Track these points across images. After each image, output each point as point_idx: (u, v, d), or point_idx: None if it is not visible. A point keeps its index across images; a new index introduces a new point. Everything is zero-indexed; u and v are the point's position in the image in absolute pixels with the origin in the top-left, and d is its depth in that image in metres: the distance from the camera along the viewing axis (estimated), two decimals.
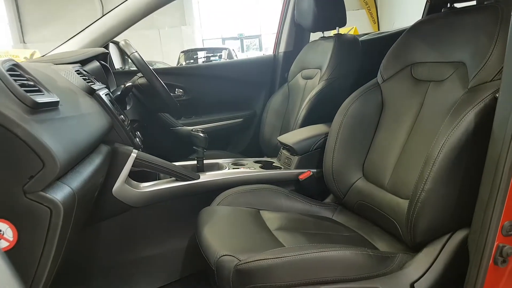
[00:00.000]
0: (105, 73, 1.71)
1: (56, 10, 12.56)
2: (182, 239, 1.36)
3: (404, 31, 1.32)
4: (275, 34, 2.33)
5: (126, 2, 1.80)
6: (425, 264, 0.93)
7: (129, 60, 1.74)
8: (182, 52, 9.81)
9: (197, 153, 1.41)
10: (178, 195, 1.31)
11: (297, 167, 1.46)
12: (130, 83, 1.52)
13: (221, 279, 0.92)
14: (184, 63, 9.53)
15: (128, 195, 1.23)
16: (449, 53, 1.11)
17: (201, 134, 1.39)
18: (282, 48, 2.24)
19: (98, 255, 1.29)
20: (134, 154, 1.22)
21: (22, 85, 0.65)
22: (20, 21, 13.52)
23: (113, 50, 2.24)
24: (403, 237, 1.04)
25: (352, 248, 0.93)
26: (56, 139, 0.64)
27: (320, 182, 1.41)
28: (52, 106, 0.72)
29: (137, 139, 1.34)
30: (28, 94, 0.63)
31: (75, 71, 1.19)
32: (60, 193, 0.65)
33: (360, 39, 1.93)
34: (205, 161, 1.47)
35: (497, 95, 0.85)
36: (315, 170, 1.45)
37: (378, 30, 12.18)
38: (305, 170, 1.44)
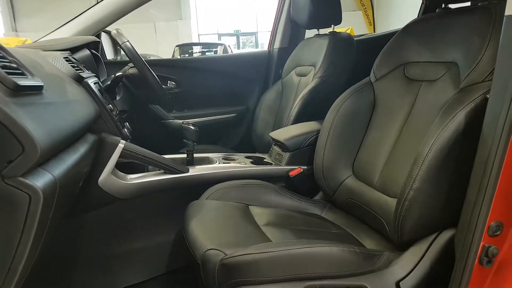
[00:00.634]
0: (96, 62, 1.69)
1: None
2: (169, 233, 1.35)
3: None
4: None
5: None
6: (411, 262, 0.93)
7: (121, 51, 1.72)
8: (177, 46, 9.76)
9: (187, 146, 1.39)
10: (166, 188, 1.29)
11: (288, 164, 1.45)
12: (121, 73, 1.50)
13: (207, 273, 0.91)
14: (179, 57, 9.48)
15: (114, 187, 1.21)
16: (442, 53, 1.11)
17: (192, 127, 1.37)
18: (277, 45, 2.23)
19: (82, 246, 1.27)
20: (121, 144, 1.20)
21: (3, 67, 0.63)
22: (12, 9, 13.32)
23: (105, 40, 2.21)
24: (390, 235, 1.04)
25: (339, 245, 0.92)
26: (37, 123, 0.63)
27: (310, 179, 1.40)
28: (36, 90, 0.70)
29: (126, 130, 1.32)
30: (10, 76, 0.61)
31: (64, 58, 1.16)
32: (40, 180, 0.63)
33: (355, 38, 1.93)
34: (196, 155, 1.45)
35: (487, 96, 0.85)
36: (305, 167, 1.45)
37: (374, 31, 12.23)
38: (296, 167, 1.43)
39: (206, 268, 0.91)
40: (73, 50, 1.42)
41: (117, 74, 1.49)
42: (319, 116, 1.46)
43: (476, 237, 0.80)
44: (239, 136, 2.25)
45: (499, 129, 0.77)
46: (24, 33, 12.40)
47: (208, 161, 1.47)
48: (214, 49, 9.64)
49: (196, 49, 9.84)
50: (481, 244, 0.80)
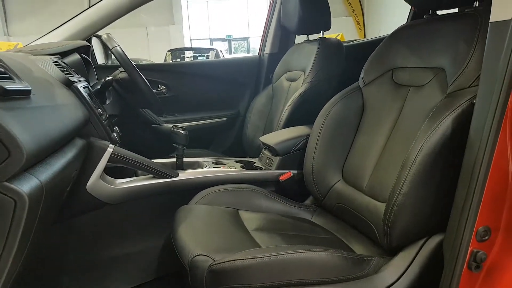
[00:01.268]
0: (86, 66, 1.68)
1: (42, 2, 12.33)
2: (158, 238, 1.34)
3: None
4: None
5: None
6: (401, 268, 0.93)
7: (112, 56, 1.71)
8: (169, 51, 9.74)
9: (177, 150, 1.38)
10: (155, 192, 1.28)
11: (278, 168, 1.45)
12: (111, 77, 1.49)
13: (195, 279, 0.90)
14: (169, 62, 9.46)
15: (102, 191, 1.20)
16: (429, 59, 1.13)
17: (182, 131, 1.37)
18: (267, 50, 2.24)
19: (70, 252, 1.25)
20: (110, 149, 1.19)
21: None
22: (4, 12, 13.21)
23: (96, 45, 2.20)
24: (380, 240, 1.04)
25: (328, 250, 0.92)
26: (24, 128, 0.62)
27: (300, 184, 1.40)
28: (23, 94, 0.69)
29: (115, 134, 1.31)
30: None
31: (53, 62, 1.15)
32: (26, 185, 0.62)
33: (344, 44, 1.94)
34: (185, 159, 1.45)
35: (474, 101, 0.86)
36: (295, 172, 1.45)
37: (364, 37, 12.34)
38: (286, 171, 1.44)
39: (195, 274, 0.90)
40: (63, 54, 1.41)
41: (107, 79, 1.48)
42: (309, 120, 1.46)
43: (465, 242, 0.81)
44: (230, 141, 2.24)
45: (486, 134, 0.78)
46: (16, 37, 12.29)
47: (198, 165, 1.47)
48: (206, 54, 9.64)
49: (188, 54, 9.84)
50: (470, 249, 0.80)
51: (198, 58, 9.50)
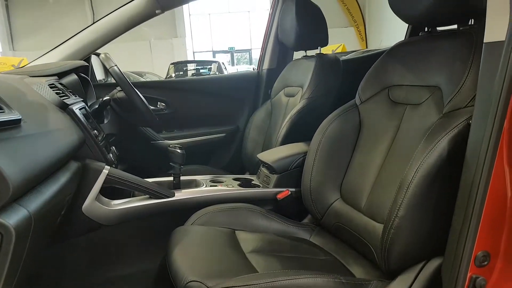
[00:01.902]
0: (85, 85, 1.68)
1: (47, 18, 12.53)
2: (154, 259, 1.32)
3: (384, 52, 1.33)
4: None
5: (108, 15, 1.79)
6: None
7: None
8: (172, 64, 9.82)
9: (174, 169, 1.37)
10: (151, 213, 1.27)
11: (275, 186, 1.44)
12: (108, 97, 1.50)
13: None
14: (173, 75, 9.54)
15: (98, 213, 1.19)
16: (425, 77, 1.12)
17: (178, 150, 1.36)
18: (265, 65, 2.25)
19: (67, 272, 1.24)
20: (106, 170, 1.19)
21: None
22: (10, 28, 13.41)
23: (95, 62, 2.21)
24: (378, 262, 1.02)
25: (325, 276, 0.90)
26: (11, 159, 0.61)
27: (298, 202, 1.39)
28: (12, 124, 0.69)
29: (111, 155, 1.31)
30: None
31: (49, 84, 1.16)
32: (14, 217, 0.61)
33: (342, 58, 1.94)
34: (183, 178, 1.44)
35: (470, 121, 0.85)
36: (293, 189, 1.43)
37: (366, 47, 12.39)
38: (284, 189, 1.42)
39: None
40: (61, 75, 1.42)
41: (104, 98, 1.48)
42: (307, 136, 1.45)
43: (463, 268, 0.79)
44: (229, 156, 2.24)
45: (482, 156, 0.77)
46: (21, 52, 12.45)
47: (195, 184, 1.46)
48: (208, 66, 9.71)
49: (191, 67, 9.91)
50: (468, 274, 0.78)
51: (201, 70, 9.56)
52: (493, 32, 0.79)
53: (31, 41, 12.25)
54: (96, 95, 1.75)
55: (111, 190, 1.25)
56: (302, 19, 1.78)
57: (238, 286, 0.85)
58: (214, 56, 15.56)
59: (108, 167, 1.21)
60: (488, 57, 0.80)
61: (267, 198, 1.42)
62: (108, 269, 1.29)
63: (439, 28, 1.21)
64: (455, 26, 1.19)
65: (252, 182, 1.53)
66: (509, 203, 0.78)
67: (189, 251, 1.06)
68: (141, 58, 12.73)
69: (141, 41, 12.65)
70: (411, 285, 0.91)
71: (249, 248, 1.14)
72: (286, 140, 1.66)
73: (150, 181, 1.42)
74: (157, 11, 1.86)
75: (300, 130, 1.66)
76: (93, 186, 1.17)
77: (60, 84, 1.32)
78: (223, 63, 10.04)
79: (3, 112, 0.68)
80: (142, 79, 10.53)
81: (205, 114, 2.19)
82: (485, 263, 0.79)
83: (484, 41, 0.82)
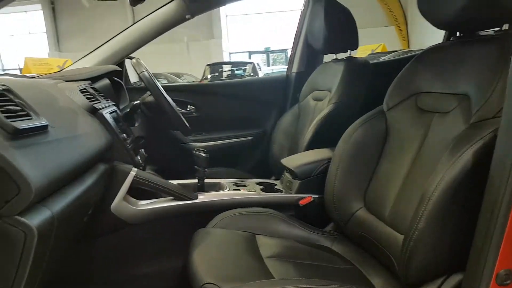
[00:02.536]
0: (118, 89, 1.76)
1: (90, 20, 13.12)
2: (176, 259, 1.36)
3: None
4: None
5: (140, 21, 1.86)
6: None
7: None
8: (207, 65, 9.99)
9: (198, 172, 1.41)
10: (175, 214, 1.31)
11: (298, 192, 1.44)
12: (138, 101, 1.56)
13: None
14: (209, 76, 9.70)
15: (125, 212, 1.24)
16: (454, 85, 1.08)
17: (203, 154, 1.39)
18: (294, 68, 2.24)
19: (94, 269, 1.30)
20: (133, 172, 1.24)
21: (7, 111, 0.67)
22: (56, 31, 14.17)
23: (130, 66, 2.30)
24: (399, 274, 1.00)
25: (341, 285, 0.90)
26: (35, 164, 0.66)
27: (321, 209, 1.38)
28: (39, 130, 0.73)
29: (139, 157, 1.36)
30: (11, 120, 0.65)
31: (80, 90, 1.22)
32: (37, 217, 0.66)
33: (374, 61, 1.90)
34: (207, 180, 1.47)
35: (497, 133, 0.81)
36: (316, 196, 1.42)
37: (408, 47, 11.99)
38: (306, 195, 1.42)
39: None
40: (94, 79, 1.49)
41: (134, 103, 1.54)
42: (333, 142, 1.44)
43: (484, 286, 0.76)
44: (256, 160, 2.25)
45: (507, 170, 0.73)
46: (66, 53, 13.13)
47: (219, 187, 1.48)
48: (243, 68, 9.79)
49: (226, 68, 10.03)
50: None
51: (236, 71, 9.66)
52: None
53: (76, 43, 12.89)
54: (130, 98, 1.82)
55: (140, 190, 1.30)
56: (330, 22, 1.76)
57: None
58: (250, 57, 15.66)
59: (136, 169, 1.26)
60: None
61: (289, 203, 1.42)
62: (133, 266, 1.34)
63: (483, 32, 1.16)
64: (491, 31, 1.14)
65: (275, 187, 1.53)
66: None
67: (208, 253, 1.08)
68: (180, 59, 13.06)
69: (179, 43, 12.97)
70: None
71: (268, 253, 1.14)
72: (312, 145, 1.65)
73: (176, 183, 1.47)
74: (187, 16, 1.91)
75: (326, 136, 1.65)
76: (121, 187, 1.22)
77: (93, 88, 1.39)
78: (257, 64, 10.08)
79: (31, 119, 0.73)
80: (179, 80, 10.81)
81: (233, 117, 2.22)
82: (508, 282, 0.75)
83: None
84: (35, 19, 15.05)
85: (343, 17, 1.77)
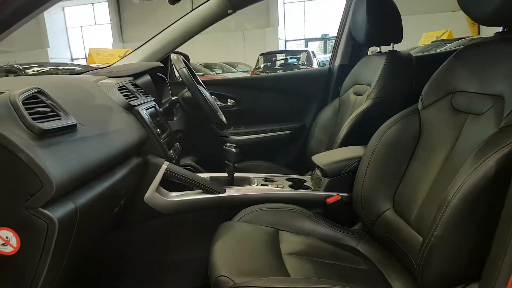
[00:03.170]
0: (161, 83, 1.85)
1: (152, 10, 13.69)
2: (202, 249, 1.42)
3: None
4: None
5: (183, 17, 1.93)
6: None
7: (191, 69, 1.85)
8: (261, 54, 10.01)
9: (228, 167, 1.45)
10: (203, 206, 1.37)
11: (326, 190, 1.43)
12: (176, 97, 1.63)
13: None
14: (262, 66, 9.73)
15: (157, 202, 1.32)
16: (489, 84, 1.01)
17: (233, 150, 1.43)
18: (337, 61, 2.20)
19: (128, 255, 1.40)
20: (165, 165, 1.31)
21: (37, 112, 0.76)
22: (120, 21, 14.98)
23: None
24: (418, 280, 0.97)
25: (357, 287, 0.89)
26: (58, 162, 0.73)
27: (348, 208, 1.36)
28: (65, 129, 0.81)
29: (172, 151, 1.43)
30: (38, 121, 0.73)
31: (119, 87, 1.31)
32: (60, 210, 0.73)
33: (418, 54, 1.81)
34: (238, 175, 1.51)
35: None
36: (345, 195, 1.41)
37: (478, 34, 11.06)
38: (334, 194, 1.40)
39: None
40: (136, 75, 1.59)
41: (173, 98, 1.62)
42: (368, 140, 1.41)
43: None
44: (294, 154, 2.25)
45: None
46: (129, 44, 13.86)
47: (248, 181, 1.51)
48: (297, 56, 9.69)
49: (280, 57, 9.99)
50: None
51: (289, 60, 9.59)
52: None
53: (138, 33, 13.52)
54: (175, 92, 1.91)
55: (175, 183, 1.37)
56: (373, 13, 1.71)
57: (262, 286, 0.88)
58: (306, 45, 15.42)
59: (167, 163, 1.33)
60: None
61: (316, 201, 1.42)
62: (164, 253, 1.42)
63: None
64: None
65: (305, 183, 1.53)
66: None
67: (228, 246, 1.12)
68: (234, 49, 13.23)
69: (234, 32, 13.12)
70: None
71: (288, 250, 1.16)
72: (346, 142, 1.63)
73: (208, 175, 1.53)
74: (229, 11, 1.94)
75: (362, 133, 1.60)
76: (153, 179, 1.30)
77: (134, 84, 1.48)
78: (312, 52, 9.92)
79: (59, 119, 0.81)
80: (233, 70, 10.97)
81: (272, 111, 2.23)
82: None
83: None
84: (101, 11, 16.04)
85: (387, 9, 1.70)
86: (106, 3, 15.35)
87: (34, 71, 6.32)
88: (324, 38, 15.69)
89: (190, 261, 1.39)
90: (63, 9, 16.78)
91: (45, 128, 0.73)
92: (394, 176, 1.25)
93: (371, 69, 1.79)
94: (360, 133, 1.62)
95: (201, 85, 1.86)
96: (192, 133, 1.89)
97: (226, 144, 1.45)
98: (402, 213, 1.18)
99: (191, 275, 1.40)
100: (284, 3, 15.00)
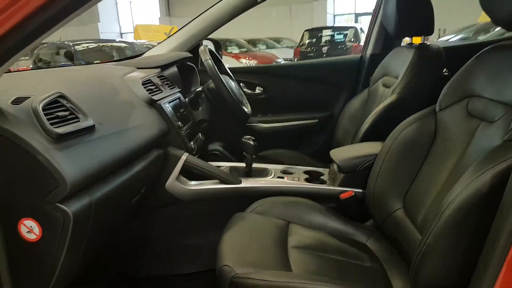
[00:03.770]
0: (191, 72, 1.92)
1: None
2: (218, 236, 1.51)
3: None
4: None
5: (214, 6, 1.96)
6: None
7: (223, 56, 1.90)
8: (306, 30, 9.78)
9: (246, 159, 1.51)
10: (219, 196, 1.45)
11: (340, 185, 1.45)
12: (200, 88, 1.70)
13: (221, 287, 1.04)
14: (306, 42, 9.53)
15: (177, 190, 1.42)
16: (503, 91, 0.97)
17: (251, 142, 1.48)
18: (369, 50, 2.15)
19: (150, 237, 1.53)
20: (184, 157, 1.40)
21: (56, 117, 0.85)
22: None
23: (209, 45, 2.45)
24: (411, 284, 0.99)
25: (352, 285, 0.93)
26: (73, 162, 0.83)
27: (362, 204, 1.38)
28: (83, 131, 0.91)
29: (192, 143, 1.51)
30: (56, 126, 0.83)
31: (144, 81, 1.39)
32: (76, 205, 0.83)
33: (447, 45, 1.72)
34: (256, 165, 1.56)
35: None
36: (359, 191, 1.42)
37: None
38: (348, 189, 1.42)
39: (221, 282, 1.04)
40: (164, 66, 1.67)
41: (197, 89, 1.69)
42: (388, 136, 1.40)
43: None
44: (320, 144, 2.26)
45: None
46: (176, 18, 14.01)
47: (265, 173, 1.57)
48: (344, 32, 9.38)
49: (325, 33, 9.71)
50: None
51: (336, 37, 9.31)
52: None
53: (185, 8, 13.62)
54: (204, 80, 1.97)
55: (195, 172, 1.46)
56: (403, 4, 1.65)
57: (256, 279, 0.95)
58: (356, 20, 14.80)
59: (187, 154, 1.41)
60: None
61: (329, 196, 1.45)
62: (182, 237, 1.53)
63: None
64: None
65: (321, 177, 1.56)
66: None
67: (237, 236, 1.19)
68: (281, 23, 13.00)
69: (281, 6, 12.85)
70: None
71: (295, 243, 1.20)
72: (367, 136, 1.62)
73: (229, 165, 1.60)
74: (258, 0, 1.95)
75: (384, 128, 1.58)
76: (173, 169, 1.40)
77: (160, 76, 1.57)
78: (361, 29, 9.54)
79: (78, 121, 0.90)
80: (278, 45, 10.85)
81: (300, 99, 2.24)
82: None
83: None
84: None
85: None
86: None
87: (84, 47, 6.72)
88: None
89: (205, 246, 1.49)
90: None
91: (61, 132, 0.83)
92: (406, 177, 1.25)
93: (400, 62, 1.74)
94: (382, 128, 1.60)
95: (228, 74, 1.90)
96: (219, 120, 1.95)
97: (244, 137, 1.51)
98: (410, 214, 1.19)
99: (206, 258, 1.49)
100: None
